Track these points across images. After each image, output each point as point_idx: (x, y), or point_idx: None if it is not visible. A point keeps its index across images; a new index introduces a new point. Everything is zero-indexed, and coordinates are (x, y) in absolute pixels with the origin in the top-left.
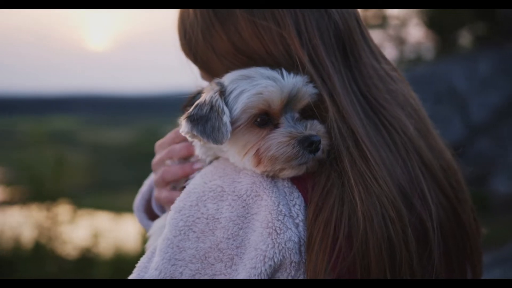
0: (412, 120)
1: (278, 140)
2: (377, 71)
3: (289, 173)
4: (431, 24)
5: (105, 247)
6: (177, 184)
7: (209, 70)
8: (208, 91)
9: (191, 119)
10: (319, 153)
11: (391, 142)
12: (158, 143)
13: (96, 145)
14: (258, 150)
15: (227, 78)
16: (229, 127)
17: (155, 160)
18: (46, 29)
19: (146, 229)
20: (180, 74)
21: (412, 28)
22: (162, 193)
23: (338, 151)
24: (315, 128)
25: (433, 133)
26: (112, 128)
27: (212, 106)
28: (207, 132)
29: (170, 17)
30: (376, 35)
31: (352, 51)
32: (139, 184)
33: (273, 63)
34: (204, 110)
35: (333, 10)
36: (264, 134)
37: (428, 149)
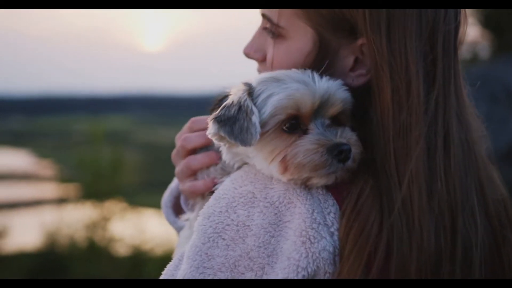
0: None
1: (306, 147)
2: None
3: (316, 182)
4: (486, 24)
5: (156, 245)
6: (201, 174)
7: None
8: (236, 92)
9: (218, 120)
10: (349, 163)
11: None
12: (177, 135)
13: (149, 144)
14: (285, 156)
15: (256, 80)
16: (258, 128)
17: (173, 152)
18: (102, 30)
19: (172, 226)
20: (231, 74)
21: (468, 28)
22: (185, 184)
23: (384, 157)
24: (346, 135)
25: (491, 166)
26: (165, 128)
27: (240, 107)
28: (235, 133)
29: (224, 18)
30: None
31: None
32: None
33: None
34: (232, 111)
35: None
36: (292, 140)
37: (487, 177)
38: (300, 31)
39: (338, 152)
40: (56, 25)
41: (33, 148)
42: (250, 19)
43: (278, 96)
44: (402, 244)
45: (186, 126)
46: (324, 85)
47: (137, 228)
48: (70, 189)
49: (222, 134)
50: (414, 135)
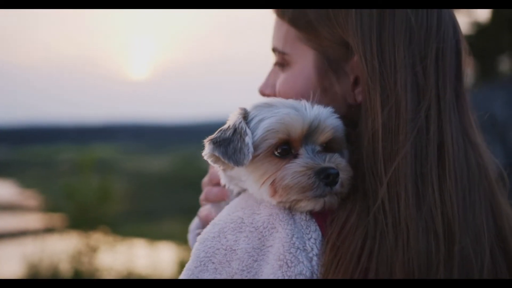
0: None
1: (294, 169)
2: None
3: (305, 205)
4: (470, 50)
5: (143, 276)
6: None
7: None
8: (232, 117)
9: (214, 142)
10: (337, 187)
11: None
12: (203, 180)
13: (136, 173)
14: (274, 180)
15: (251, 105)
16: (251, 148)
17: (201, 196)
18: (88, 58)
19: None
20: (218, 103)
21: None
22: (202, 212)
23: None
24: (334, 161)
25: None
26: (152, 156)
27: (235, 129)
28: (229, 154)
29: (210, 47)
30: None
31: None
32: (178, 212)
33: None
34: (228, 134)
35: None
36: (282, 164)
37: (503, 209)
38: (303, 54)
39: (325, 176)
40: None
41: (17, 178)
42: (237, 48)
43: (269, 120)
44: (387, 242)
45: (208, 174)
46: (315, 111)
47: (124, 259)
48: (55, 219)
49: (217, 154)
50: (401, 138)
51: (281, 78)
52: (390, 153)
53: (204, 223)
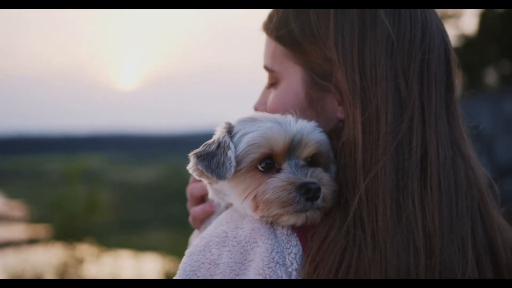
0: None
1: (275, 184)
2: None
3: (287, 219)
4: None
5: None
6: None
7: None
8: (217, 131)
9: (198, 155)
10: (318, 202)
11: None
12: (187, 187)
13: (123, 183)
14: (256, 194)
15: (236, 119)
16: (233, 162)
17: (189, 219)
18: (76, 68)
19: None
20: (205, 114)
21: None
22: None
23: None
24: (316, 175)
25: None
26: (139, 167)
27: (219, 144)
28: (212, 167)
29: (198, 57)
30: None
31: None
32: (165, 223)
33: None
34: (212, 148)
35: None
36: (265, 179)
37: (494, 221)
38: (290, 71)
39: (306, 191)
40: (29, 63)
41: (4, 188)
42: (225, 59)
43: (251, 134)
44: (366, 256)
45: (192, 178)
46: (298, 126)
47: (110, 270)
48: (41, 230)
49: (200, 168)
50: (380, 151)
51: (271, 95)
52: (369, 167)
53: (199, 220)
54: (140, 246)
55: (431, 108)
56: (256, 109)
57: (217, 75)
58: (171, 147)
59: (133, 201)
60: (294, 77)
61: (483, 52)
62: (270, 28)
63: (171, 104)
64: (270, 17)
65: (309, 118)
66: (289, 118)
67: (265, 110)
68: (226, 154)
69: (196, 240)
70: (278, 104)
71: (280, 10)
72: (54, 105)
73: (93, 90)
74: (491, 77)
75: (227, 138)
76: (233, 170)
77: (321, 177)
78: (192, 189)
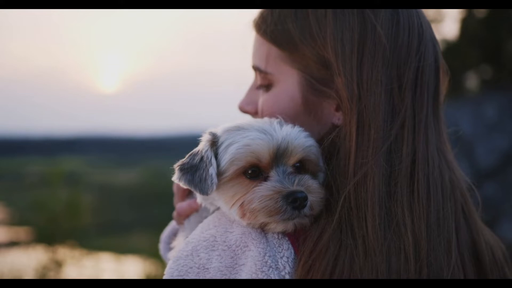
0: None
1: (261, 193)
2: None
3: (274, 227)
4: None
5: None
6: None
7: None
8: (202, 140)
9: (182, 168)
10: (305, 210)
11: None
12: (174, 200)
13: (103, 186)
14: (243, 202)
15: (221, 129)
16: (215, 179)
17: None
18: (57, 70)
19: (166, 261)
20: (187, 117)
21: None
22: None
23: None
24: (304, 183)
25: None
26: (120, 170)
27: (202, 157)
28: (195, 182)
29: (179, 59)
30: None
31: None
32: (146, 226)
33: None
34: (196, 160)
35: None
36: (252, 186)
37: (474, 221)
38: (286, 74)
39: (293, 200)
40: (9, 64)
41: None
42: (206, 61)
43: (236, 145)
44: (358, 264)
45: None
46: (283, 133)
47: (91, 273)
48: (22, 232)
49: (183, 182)
50: (370, 159)
51: (265, 97)
52: (358, 173)
53: (184, 216)
54: (121, 249)
55: (421, 114)
56: (241, 108)
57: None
58: (152, 149)
59: (114, 203)
60: (290, 81)
61: (464, 56)
62: (263, 28)
63: (152, 106)
64: (263, 17)
65: (303, 122)
66: (275, 124)
67: (253, 110)
68: (208, 170)
69: (182, 245)
70: (272, 107)
71: (276, 11)
72: (35, 107)
73: (74, 93)
74: (472, 81)
75: (209, 153)
76: (214, 187)
77: (309, 185)
78: (178, 188)
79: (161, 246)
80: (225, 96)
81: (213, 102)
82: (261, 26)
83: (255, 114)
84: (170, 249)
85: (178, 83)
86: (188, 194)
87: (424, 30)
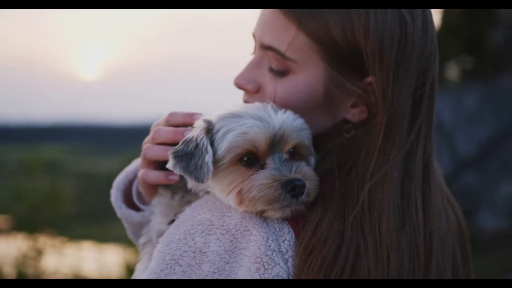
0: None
1: (261, 181)
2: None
3: (271, 214)
4: None
5: (89, 278)
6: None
7: None
8: (196, 127)
9: (176, 155)
10: (303, 197)
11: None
12: (154, 123)
13: (84, 174)
14: (241, 190)
15: (216, 116)
16: (211, 167)
17: (144, 141)
18: (37, 58)
19: (117, 210)
20: (168, 104)
21: None
22: (151, 174)
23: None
24: (301, 170)
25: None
26: (100, 158)
27: (197, 144)
28: (190, 170)
29: (161, 47)
30: None
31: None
32: None
33: None
34: (190, 147)
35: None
36: (249, 174)
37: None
38: (312, 65)
39: (291, 188)
40: None
41: None
42: (186, 48)
43: (234, 133)
44: (366, 262)
45: (164, 118)
46: (279, 119)
47: (71, 261)
48: (1, 221)
49: (178, 170)
50: (390, 162)
51: (281, 84)
52: (377, 173)
53: (160, 142)
54: (101, 237)
55: (433, 120)
56: (240, 85)
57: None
58: (133, 137)
59: (95, 192)
60: (315, 72)
61: (445, 47)
62: (296, 16)
63: (133, 94)
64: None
65: (316, 114)
66: (269, 110)
67: (254, 89)
68: (204, 158)
69: (171, 228)
70: (292, 96)
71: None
72: (14, 95)
73: (54, 80)
74: (452, 71)
75: (205, 140)
76: (210, 175)
77: (305, 172)
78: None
79: (114, 192)
80: (207, 83)
81: (195, 89)
82: (291, 11)
83: (255, 93)
84: (140, 235)
85: (160, 70)
86: (156, 166)
87: (435, 37)
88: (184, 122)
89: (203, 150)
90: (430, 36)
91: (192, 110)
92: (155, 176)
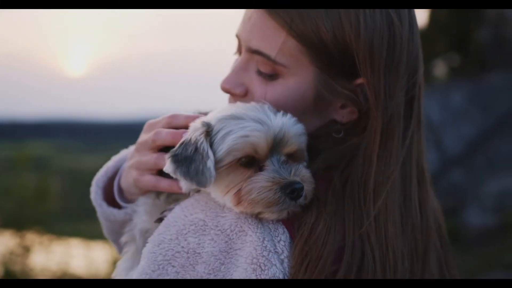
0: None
1: (261, 184)
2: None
3: (268, 216)
4: None
5: (77, 275)
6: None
7: None
8: (194, 130)
9: (175, 160)
10: (301, 200)
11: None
12: (149, 122)
13: (71, 171)
14: (239, 191)
15: (215, 117)
16: (213, 172)
17: (140, 140)
18: (24, 54)
19: (97, 208)
20: (156, 100)
21: None
22: (145, 177)
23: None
24: (299, 173)
25: None
26: (88, 154)
27: (197, 148)
28: (191, 174)
29: (148, 42)
30: None
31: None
32: None
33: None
34: (189, 151)
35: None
36: (248, 175)
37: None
38: (302, 69)
39: (291, 191)
40: None
41: None
42: (173, 45)
43: (234, 135)
44: (375, 268)
45: (164, 118)
46: (279, 122)
47: (59, 258)
48: None
49: (178, 175)
50: (391, 166)
51: (272, 88)
52: (380, 184)
53: (160, 145)
54: (89, 234)
55: (421, 118)
56: (227, 89)
57: (168, 61)
58: (120, 134)
59: (83, 189)
60: (305, 76)
61: (432, 44)
62: (287, 21)
63: (120, 90)
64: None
65: (306, 115)
66: (268, 112)
67: (242, 93)
68: (206, 163)
69: (160, 228)
70: (282, 100)
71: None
72: (0, 91)
73: (41, 76)
74: (439, 69)
75: (205, 145)
76: (213, 180)
77: (304, 175)
78: (157, 134)
79: (94, 189)
80: (195, 80)
81: (183, 86)
82: (280, 15)
83: (243, 97)
84: (121, 233)
85: (147, 67)
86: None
87: (419, 34)
88: (186, 125)
89: (204, 155)
90: (416, 37)
91: (180, 106)
92: (168, 184)
